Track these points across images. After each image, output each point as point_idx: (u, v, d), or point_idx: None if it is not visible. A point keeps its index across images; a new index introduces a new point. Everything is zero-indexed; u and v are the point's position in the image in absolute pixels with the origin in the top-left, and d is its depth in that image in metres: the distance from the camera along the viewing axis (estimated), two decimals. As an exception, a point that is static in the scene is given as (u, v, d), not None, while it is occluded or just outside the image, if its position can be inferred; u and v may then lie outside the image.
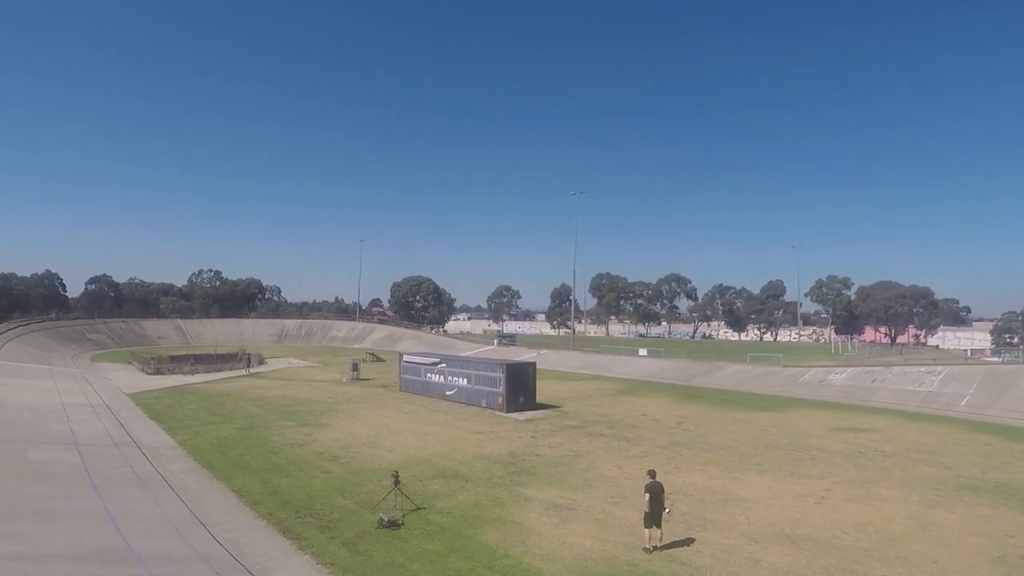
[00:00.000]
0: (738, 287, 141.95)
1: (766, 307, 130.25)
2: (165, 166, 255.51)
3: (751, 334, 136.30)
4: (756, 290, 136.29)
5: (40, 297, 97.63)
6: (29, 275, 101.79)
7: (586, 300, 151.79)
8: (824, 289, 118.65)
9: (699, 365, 53.27)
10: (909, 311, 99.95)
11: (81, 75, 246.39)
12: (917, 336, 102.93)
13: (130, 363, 52.24)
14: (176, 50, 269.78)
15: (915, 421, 30.17)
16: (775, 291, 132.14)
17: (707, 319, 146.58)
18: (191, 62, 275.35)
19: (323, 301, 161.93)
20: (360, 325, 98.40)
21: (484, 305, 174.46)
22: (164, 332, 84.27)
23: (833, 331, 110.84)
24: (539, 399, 33.11)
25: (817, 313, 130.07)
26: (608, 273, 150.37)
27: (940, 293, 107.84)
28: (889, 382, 40.68)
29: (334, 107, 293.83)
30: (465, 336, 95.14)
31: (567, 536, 13.41)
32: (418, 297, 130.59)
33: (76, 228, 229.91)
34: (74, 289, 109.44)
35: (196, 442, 22.45)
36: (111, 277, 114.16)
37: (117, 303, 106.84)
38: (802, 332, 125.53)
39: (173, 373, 46.31)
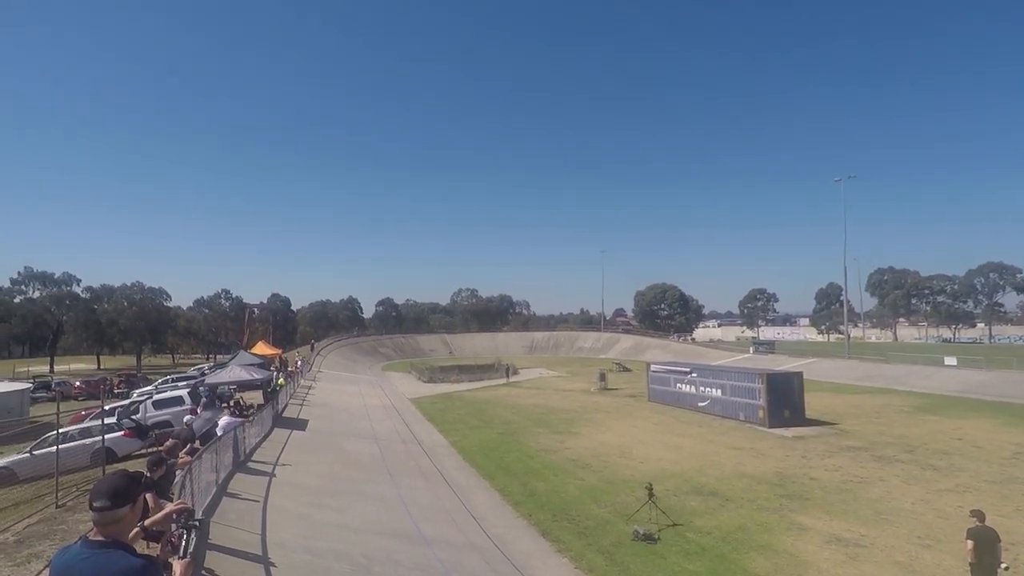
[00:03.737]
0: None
1: None
2: (423, 194, 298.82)
3: None
4: None
5: (346, 318, 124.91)
6: (338, 300, 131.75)
7: (862, 300, 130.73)
8: None
9: (1043, 378, 40.65)
10: None
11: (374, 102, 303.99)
12: None
13: (409, 372, 61.42)
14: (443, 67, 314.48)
15: None
16: None
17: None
18: (444, 96, 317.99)
19: (568, 313, 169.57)
20: (605, 335, 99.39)
21: (735, 311, 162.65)
22: (433, 345, 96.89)
23: None
24: (809, 414, 29.01)
25: None
26: (891, 268, 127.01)
27: None
28: None
29: (578, 119, 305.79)
30: (715, 344, 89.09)
31: (860, 578, 11.16)
32: (663, 305, 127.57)
33: (370, 259, 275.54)
34: (368, 310, 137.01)
35: (464, 443, 25.02)
36: (393, 300, 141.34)
37: (398, 321, 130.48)
38: None
39: (443, 382, 53.10)
